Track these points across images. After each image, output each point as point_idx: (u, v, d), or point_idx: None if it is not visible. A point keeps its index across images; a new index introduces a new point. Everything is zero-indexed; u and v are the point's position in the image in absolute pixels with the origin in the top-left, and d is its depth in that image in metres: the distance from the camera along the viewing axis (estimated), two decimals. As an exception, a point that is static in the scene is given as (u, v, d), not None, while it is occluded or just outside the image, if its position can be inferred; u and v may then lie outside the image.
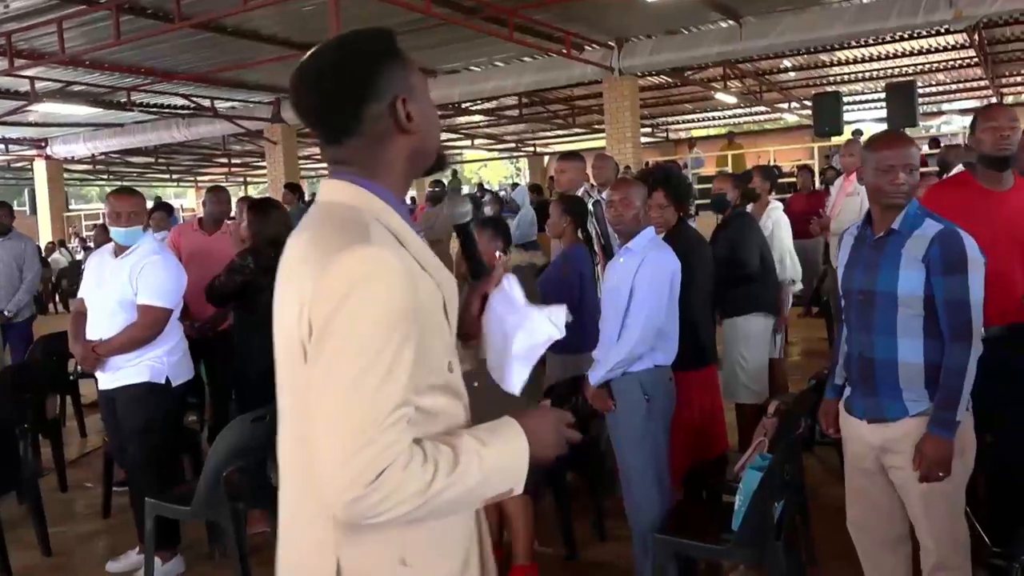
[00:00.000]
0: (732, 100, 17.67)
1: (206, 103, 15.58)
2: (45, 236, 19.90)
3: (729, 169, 14.23)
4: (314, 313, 1.27)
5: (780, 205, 5.89)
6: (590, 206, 5.31)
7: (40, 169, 19.77)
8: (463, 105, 17.01)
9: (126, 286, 4.05)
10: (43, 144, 19.02)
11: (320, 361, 1.27)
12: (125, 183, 26.71)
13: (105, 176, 26.65)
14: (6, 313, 6.41)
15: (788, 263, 5.61)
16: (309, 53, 1.49)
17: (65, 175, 22.01)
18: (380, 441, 1.24)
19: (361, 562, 1.37)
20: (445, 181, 13.33)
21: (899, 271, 2.64)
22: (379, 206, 1.41)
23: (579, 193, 5.41)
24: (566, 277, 4.61)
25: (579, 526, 4.23)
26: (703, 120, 23.53)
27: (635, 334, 3.47)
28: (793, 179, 11.92)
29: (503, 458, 1.41)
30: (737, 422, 4.90)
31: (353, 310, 1.26)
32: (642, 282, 3.48)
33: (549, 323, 1.73)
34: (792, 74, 17.04)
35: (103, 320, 4.09)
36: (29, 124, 16.98)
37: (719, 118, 23.09)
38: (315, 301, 1.27)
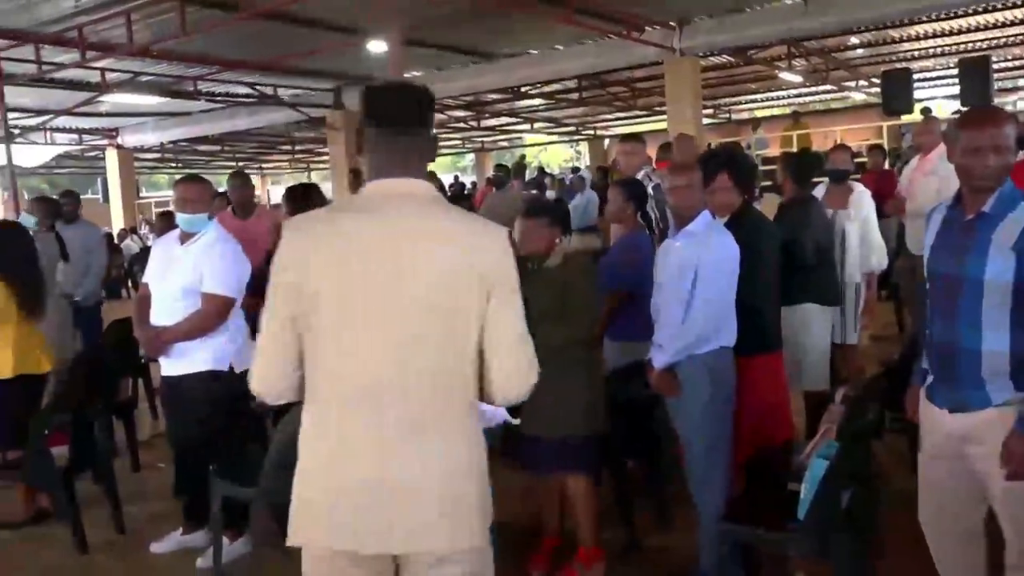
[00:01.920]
0: (797, 79, 17.25)
1: (269, 91, 15.77)
2: (117, 223, 20.45)
3: (794, 150, 13.93)
4: (505, 271, 1.91)
5: (866, 190, 5.67)
6: (649, 189, 5.24)
7: (112, 158, 20.27)
8: (522, 89, 16.93)
9: (191, 274, 4.11)
10: (114, 134, 19.50)
11: (511, 303, 1.92)
12: (193, 171, 27.32)
13: (174, 164, 27.26)
14: (76, 298, 6.59)
15: (879, 251, 5.47)
16: (413, 84, 2.07)
17: (135, 163, 22.55)
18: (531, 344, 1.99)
19: (481, 452, 1.98)
20: (509, 165, 13.30)
21: (987, 256, 2.49)
22: None
23: (639, 176, 5.34)
24: (630, 263, 4.57)
25: (642, 513, 4.20)
26: (767, 100, 23.04)
27: (702, 316, 3.44)
28: (862, 159, 11.59)
29: None
30: (805, 409, 4.81)
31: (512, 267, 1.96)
32: (707, 265, 3.45)
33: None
34: (860, 51, 16.53)
35: (167, 307, 4.16)
36: (101, 115, 17.39)
37: (783, 98, 22.57)
38: (503, 263, 1.91)
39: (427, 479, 1.86)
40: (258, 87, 15.43)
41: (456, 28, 12.00)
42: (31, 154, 20.43)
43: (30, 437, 4.33)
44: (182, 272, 4.13)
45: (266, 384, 1.95)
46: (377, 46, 11.66)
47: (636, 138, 5.79)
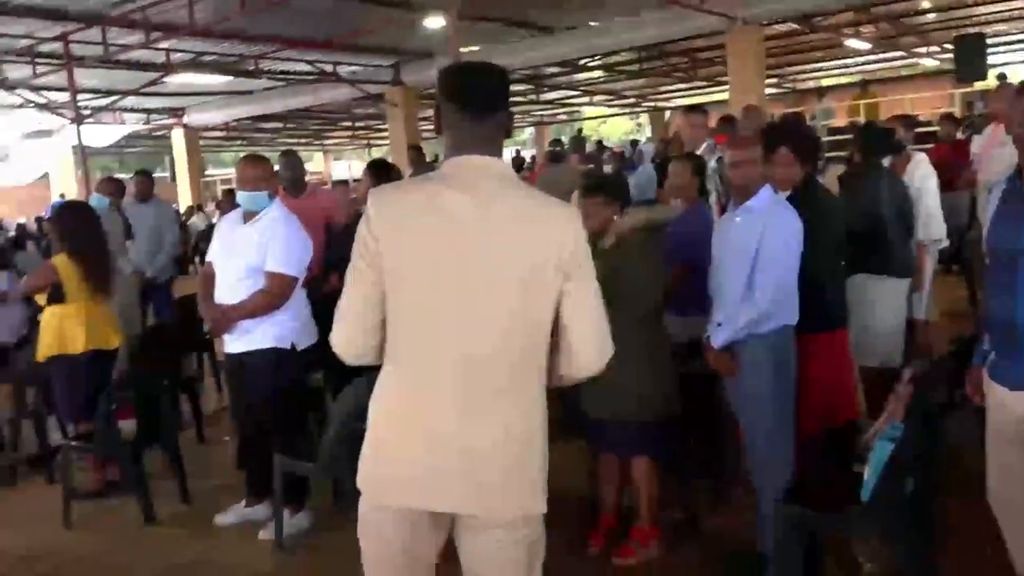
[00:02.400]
0: (865, 46, 16.76)
1: (329, 68, 15.88)
2: (184, 201, 20.88)
3: (862, 120, 13.55)
4: (579, 247, 1.97)
5: (925, 157, 5.49)
6: (713, 163, 5.13)
7: (178, 137, 20.68)
8: (581, 62, 16.75)
9: (255, 252, 4.15)
10: (180, 113, 19.88)
11: (587, 279, 1.99)
12: (257, 148, 27.74)
13: (239, 142, 27.70)
14: (148, 275, 6.75)
15: (932, 220, 5.27)
16: (491, 66, 2.10)
17: (201, 142, 22.97)
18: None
19: (545, 426, 2.04)
20: (565, 140, 13.19)
21: None
22: None
23: (701, 149, 5.22)
24: (694, 236, 4.48)
25: (701, 493, 4.15)
26: (833, 69, 22.43)
27: (766, 295, 3.36)
28: (933, 128, 11.20)
29: None
30: (863, 386, 4.68)
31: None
32: (770, 241, 3.36)
33: None
34: (931, 16, 15.96)
35: (231, 285, 4.21)
36: (167, 94, 17.74)
37: (851, 66, 21.95)
38: (577, 241, 1.97)
39: (498, 445, 1.94)
40: (318, 65, 15.54)
41: (514, 2, 11.91)
42: (101, 134, 20.93)
43: (98, 410, 4.45)
44: (245, 251, 4.17)
45: (349, 344, 2.02)
46: (435, 21, 11.64)
47: (700, 110, 5.63)
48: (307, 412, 4.66)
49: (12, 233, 14.77)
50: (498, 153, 2.03)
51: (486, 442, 1.93)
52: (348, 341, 2.02)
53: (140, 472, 4.53)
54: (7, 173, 23.88)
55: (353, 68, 16.37)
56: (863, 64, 21.60)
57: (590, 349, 2.02)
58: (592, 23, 13.89)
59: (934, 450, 3.36)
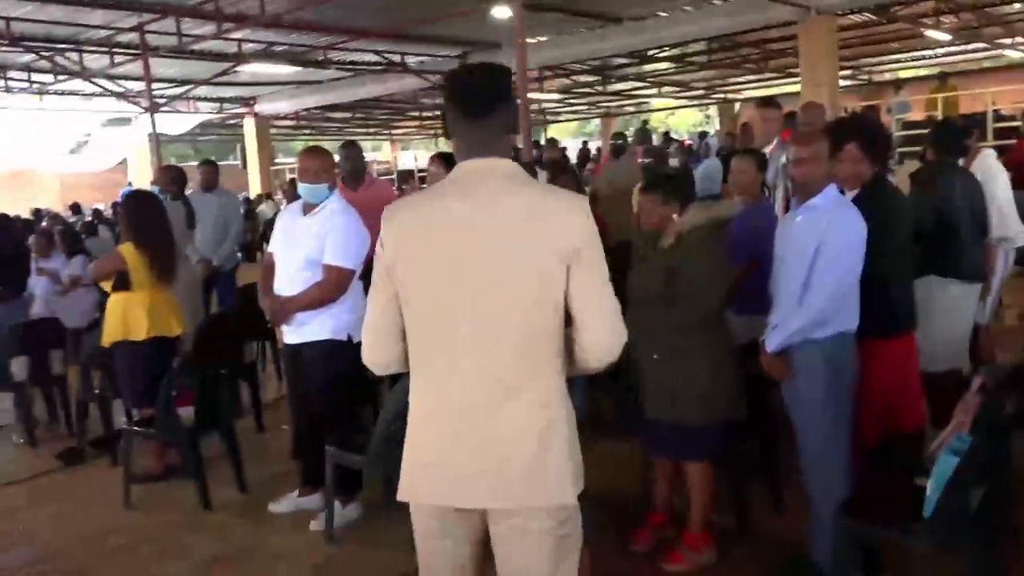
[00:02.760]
0: (945, 37, 16.16)
1: (397, 59, 15.96)
2: (254, 189, 21.27)
3: (939, 114, 13.09)
4: (584, 238, 1.96)
5: (993, 153, 5.25)
6: (784, 158, 4.98)
7: (249, 126, 21.05)
8: (649, 52, 16.53)
9: (314, 245, 4.17)
10: (252, 102, 20.23)
11: (593, 268, 1.98)
12: (326, 138, 28.10)
13: (308, 131, 28.07)
14: (214, 264, 6.85)
15: (1006, 218, 5.03)
16: (490, 66, 2.14)
17: (272, 131, 23.35)
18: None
19: (570, 416, 2.06)
20: (628, 133, 13.03)
21: None
22: None
23: (772, 145, 5.05)
24: (758, 233, 4.36)
25: (755, 496, 4.04)
26: (911, 60, 21.73)
27: (822, 298, 3.23)
28: (1016, 124, 10.74)
29: None
30: (926, 393, 4.48)
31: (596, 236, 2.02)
32: (830, 243, 3.23)
33: None
34: (1017, 5, 15.30)
35: (291, 276, 4.24)
36: (239, 84, 18.09)
37: (929, 57, 21.23)
38: (582, 232, 1.97)
39: (519, 439, 1.99)
40: (386, 55, 15.63)
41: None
42: (176, 122, 21.43)
43: (159, 396, 4.53)
44: (305, 242, 4.19)
45: (375, 357, 2.14)
46: (501, 11, 11.58)
47: (773, 103, 5.41)
48: (362, 404, 4.68)
49: (88, 218, 15.22)
50: (503, 152, 2.06)
51: (507, 436, 1.99)
52: (372, 352, 2.15)
53: (198, 458, 4.60)
54: (87, 159, 24.62)
55: (421, 58, 16.42)
56: (942, 56, 20.87)
57: (600, 338, 2.03)
58: (661, 13, 13.68)
59: (1003, 463, 3.21)
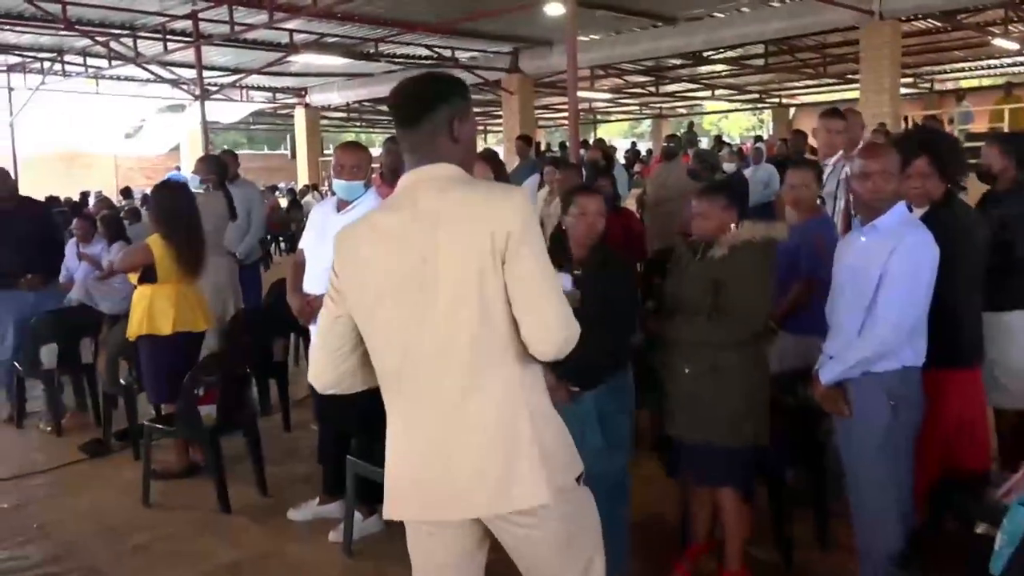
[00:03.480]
0: (1013, 46, 15.53)
1: (448, 53, 15.80)
2: (302, 179, 21.30)
3: (1005, 126, 12.55)
4: (515, 228, 1.89)
5: None
6: (847, 169, 4.67)
7: (300, 116, 21.08)
8: (704, 54, 16.14)
9: None
10: (303, 93, 20.25)
11: (526, 258, 1.90)
12: (376, 130, 28.12)
13: (358, 124, 28.09)
14: (238, 257, 6.70)
15: None
16: (420, 75, 2.12)
17: (323, 122, 23.38)
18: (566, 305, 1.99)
19: (537, 406, 2.02)
20: (680, 134, 12.70)
21: None
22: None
23: (835, 157, 4.72)
24: (819, 249, 4.08)
25: (800, 530, 3.76)
26: (975, 69, 21.00)
27: (885, 330, 2.93)
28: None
29: None
30: (996, 430, 4.15)
31: (535, 226, 1.97)
32: (897, 269, 2.92)
33: None
34: (1091, 16, 14.67)
35: (320, 274, 4.05)
36: (291, 74, 18.09)
37: (995, 67, 20.50)
38: (513, 221, 1.89)
39: (481, 443, 1.96)
40: (437, 49, 15.48)
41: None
42: (230, 110, 21.56)
43: (181, 393, 4.39)
44: None
45: (316, 375, 2.15)
46: (555, 9, 11.33)
47: (838, 114, 5.02)
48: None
49: (138, 203, 15.30)
50: (440, 157, 2.01)
51: (468, 443, 1.96)
52: (315, 371, 2.15)
53: (218, 458, 4.44)
54: (142, 144, 24.90)
55: (472, 54, 16.25)
56: (1010, 65, 20.13)
57: (537, 329, 1.95)
58: (717, 13, 13.31)
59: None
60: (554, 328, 1.95)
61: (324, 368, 2.12)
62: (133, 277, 4.77)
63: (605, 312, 3.16)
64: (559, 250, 3.22)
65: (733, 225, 3.38)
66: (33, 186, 16.83)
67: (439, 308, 1.93)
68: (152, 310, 4.65)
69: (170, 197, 4.85)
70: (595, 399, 3.24)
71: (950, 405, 3.20)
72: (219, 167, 6.31)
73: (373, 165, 4.64)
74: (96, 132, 24.19)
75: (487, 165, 5.07)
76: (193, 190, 5.46)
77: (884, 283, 2.93)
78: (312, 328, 4.14)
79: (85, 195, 16.49)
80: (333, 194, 4.34)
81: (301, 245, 4.29)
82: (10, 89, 16.65)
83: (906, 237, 2.95)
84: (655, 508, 4.09)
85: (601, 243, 3.41)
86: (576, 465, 2.10)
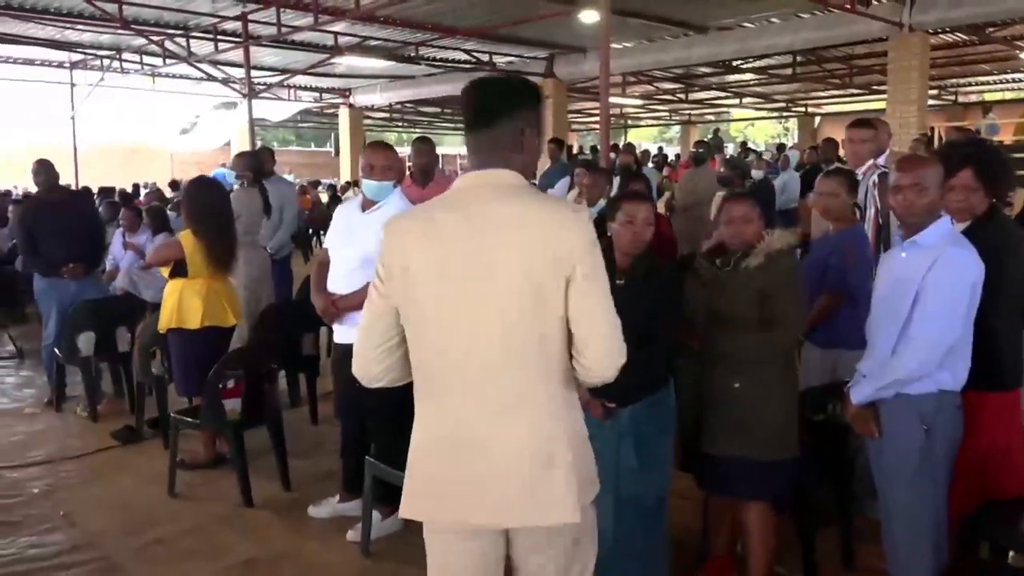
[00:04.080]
0: (1040, 60, 14.95)
1: (485, 58, 15.57)
2: (345, 176, 21.18)
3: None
4: (581, 253, 1.81)
5: None
6: (873, 179, 4.36)
7: (344, 116, 20.94)
8: (733, 63, 15.73)
9: (371, 243, 3.74)
10: (347, 94, 20.11)
11: (592, 285, 1.82)
12: (417, 130, 27.96)
13: (400, 124, 27.93)
14: (269, 251, 6.53)
15: None
16: (498, 79, 2.07)
17: (366, 121, 23.23)
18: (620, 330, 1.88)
19: (574, 424, 1.93)
20: (707, 140, 12.35)
21: None
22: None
23: (865, 167, 4.40)
24: (851, 260, 3.80)
25: (825, 549, 3.48)
26: (1001, 82, 20.31)
27: (920, 351, 2.65)
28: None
29: None
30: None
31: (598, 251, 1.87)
32: (934, 288, 2.64)
33: None
34: (1119, 32, 14.05)
35: (344, 274, 3.86)
36: (336, 76, 17.95)
37: (1020, 80, 19.81)
38: (580, 246, 1.81)
39: (518, 454, 1.86)
40: (475, 54, 15.26)
41: (669, -1, 11.20)
42: (278, 108, 21.49)
43: (205, 387, 4.19)
44: (362, 240, 3.78)
45: (361, 368, 2.01)
46: (589, 16, 11.05)
47: (867, 124, 4.70)
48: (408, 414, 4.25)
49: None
50: (504, 164, 1.91)
51: (504, 452, 1.86)
52: (358, 365, 2.02)
53: (241, 452, 4.25)
54: (196, 139, 24.96)
55: (509, 58, 16.00)
56: (1035, 79, 19.46)
57: (598, 361, 1.87)
58: (747, 24, 12.92)
59: None
60: (610, 355, 1.87)
61: (370, 361, 1.99)
62: (165, 270, 4.58)
63: (649, 325, 2.92)
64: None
65: (765, 234, 3.13)
66: (92, 177, 16.92)
67: (490, 315, 1.83)
68: (182, 304, 4.47)
69: (202, 193, 4.65)
70: (632, 416, 2.98)
71: (986, 430, 2.91)
72: (255, 164, 6.12)
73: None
74: (153, 127, 24.27)
75: None
76: (230, 186, 5.28)
77: (920, 300, 2.66)
78: (336, 326, 3.94)
79: (137, 187, 16.47)
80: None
81: (325, 244, 4.08)
82: (72, 85, 16.68)
83: (946, 252, 2.67)
84: (679, 517, 3.82)
85: (647, 252, 3.14)
86: (596, 485, 1.99)
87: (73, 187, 15.47)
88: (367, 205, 3.88)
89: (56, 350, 5.78)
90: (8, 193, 15.10)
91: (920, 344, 2.65)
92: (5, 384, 6.76)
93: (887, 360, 2.73)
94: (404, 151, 10.87)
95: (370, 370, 2.00)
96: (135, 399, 5.52)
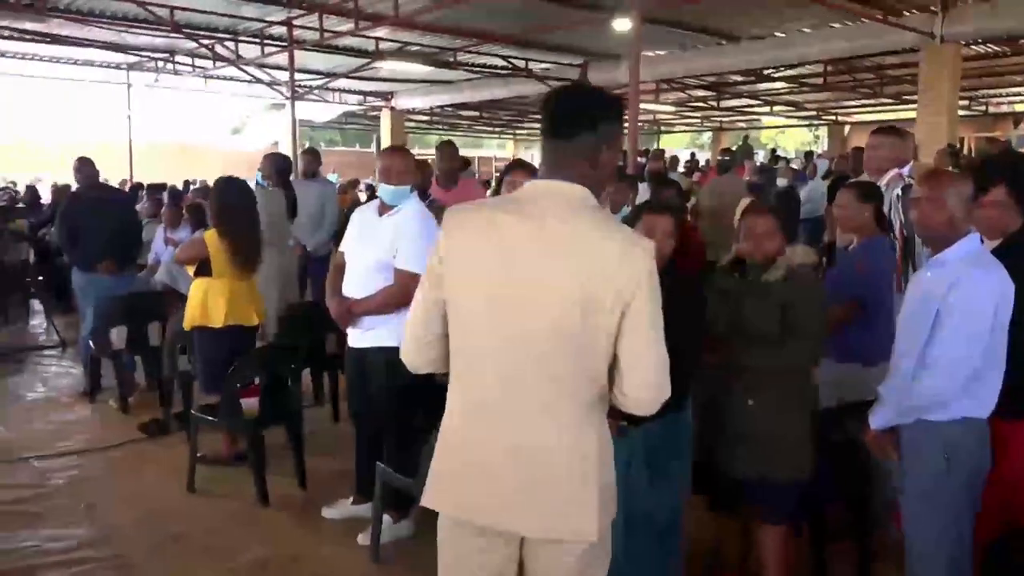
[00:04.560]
0: (1073, 72, 14.36)
1: (521, 64, 15.39)
2: (385, 176, 21.10)
3: (1063, 150, 11.55)
4: (640, 284, 1.75)
5: None
6: (897, 191, 4.09)
7: (385, 119, 20.86)
8: (765, 71, 15.35)
9: (387, 247, 3.60)
10: (389, 97, 20.03)
11: (645, 317, 1.76)
12: (456, 133, 27.84)
13: (440, 127, 27.81)
14: (309, 249, 6.43)
15: None
16: (582, 90, 2.12)
17: (408, 124, 23.14)
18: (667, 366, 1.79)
19: (604, 444, 1.85)
20: (735, 148, 12.04)
21: None
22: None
23: (887, 177, 4.12)
24: (867, 272, 3.56)
25: (839, 568, 3.24)
26: (1033, 94, 19.62)
27: (937, 376, 2.42)
28: None
29: None
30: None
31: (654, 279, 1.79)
32: (956, 308, 2.41)
33: None
34: None
35: (360, 278, 3.70)
36: (379, 79, 17.88)
37: (1053, 92, 19.12)
38: (639, 276, 1.75)
39: (548, 466, 1.79)
40: (511, 60, 15.08)
41: (703, 8, 10.89)
42: (323, 110, 21.50)
43: (224, 385, 4.07)
44: (378, 245, 3.63)
45: (410, 356, 1.96)
46: (622, 24, 10.79)
47: (893, 131, 4.35)
48: (428, 413, 4.09)
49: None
50: (576, 178, 1.81)
51: (533, 461, 1.79)
52: (406, 352, 1.97)
53: (258, 452, 4.13)
54: (246, 139, 25.14)
55: (545, 64, 15.79)
56: (1068, 91, 18.76)
57: (642, 393, 1.80)
58: (779, 33, 12.57)
59: None
60: (653, 388, 1.80)
61: (419, 350, 1.93)
62: (191, 269, 4.47)
63: (671, 340, 2.74)
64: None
65: (787, 247, 2.93)
66: (147, 174, 17.05)
67: (539, 324, 1.76)
68: (206, 303, 4.36)
69: (227, 192, 4.52)
70: (645, 435, 2.78)
71: (1011, 459, 2.66)
72: (281, 165, 6.01)
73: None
74: (205, 127, 24.46)
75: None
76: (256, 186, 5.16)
77: (940, 323, 2.43)
78: (350, 330, 3.78)
79: (187, 184, 16.54)
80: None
81: (341, 248, 3.90)
82: (128, 85, 16.81)
83: (970, 271, 2.43)
84: (689, 529, 3.62)
85: (667, 266, 2.94)
86: (615, 507, 1.91)
87: (129, 183, 15.63)
88: (384, 209, 3.72)
89: (91, 343, 5.72)
90: (67, 187, 15.26)
91: (938, 369, 2.42)
92: (47, 373, 6.75)
93: (907, 384, 2.50)
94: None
95: (418, 359, 1.95)
96: (163, 393, 5.43)
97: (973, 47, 12.76)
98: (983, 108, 21.55)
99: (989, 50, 13.34)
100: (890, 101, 18.66)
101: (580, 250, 1.75)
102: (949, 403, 2.43)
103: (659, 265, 2.90)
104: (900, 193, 4.12)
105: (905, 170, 4.13)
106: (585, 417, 1.81)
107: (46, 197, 13.19)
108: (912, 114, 12.74)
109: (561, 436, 1.79)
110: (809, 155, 16.22)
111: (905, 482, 2.56)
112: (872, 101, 19.64)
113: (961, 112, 17.48)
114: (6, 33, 12.92)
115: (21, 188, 15.96)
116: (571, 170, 1.81)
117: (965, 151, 11.94)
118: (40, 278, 9.07)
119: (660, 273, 2.91)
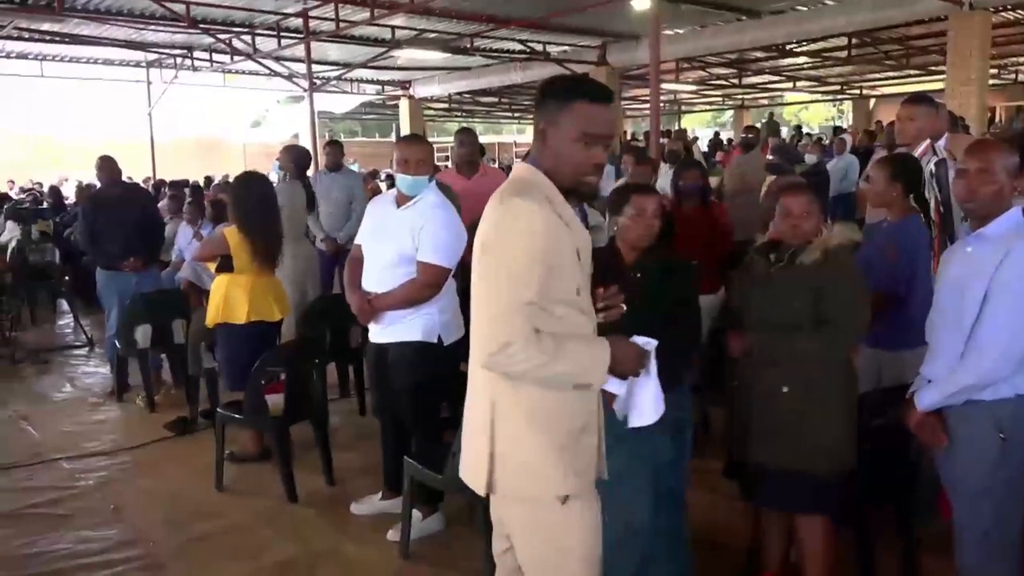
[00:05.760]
0: (1107, 37, 13.94)
1: (539, 48, 15.23)
2: (405, 165, 21.06)
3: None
4: (485, 242, 1.91)
5: None
6: (932, 165, 3.93)
7: (404, 107, 20.78)
8: (787, 47, 15.06)
9: (407, 240, 3.50)
10: (407, 85, 19.95)
11: (482, 272, 1.91)
12: (476, 119, 27.72)
13: (459, 114, 27.69)
14: (340, 241, 6.39)
15: None
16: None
17: (428, 112, 23.05)
18: (510, 322, 1.81)
19: (505, 406, 1.93)
20: (759, 126, 11.82)
21: None
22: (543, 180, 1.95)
23: (919, 150, 3.97)
24: (899, 254, 3.42)
25: (884, 561, 3.14)
26: (1064, 60, 19.13)
27: (993, 352, 2.31)
28: None
29: (588, 359, 1.88)
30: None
31: (505, 236, 1.86)
32: (1008, 283, 2.30)
33: (651, 412, 2.08)
34: None
35: (380, 271, 3.59)
36: (396, 68, 17.80)
37: (1085, 58, 18.62)
38: (485, 235, 1.91)
39: (474, 426, 2.00)
40: (529, 44, 14.92)
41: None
42: (342, 101, 21.50)
43: (247, 383, 4.03)
44: (397, 237, 3.52)
45: None
46: (641, 3, 10.63)
47: (923, 100, 4.17)
48: (452, 404, 4.03)
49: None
50: (533, 157, 2.00)
51: (472, 424, 2.03)
52: None
53: (284, 448, 4.09)
54: (266, 132, 25.22)
55: (563, 47, 15.62)
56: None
57: (479, 334, 1.90)
58: (801, 7, 12.30)
59: None
60: (483, 340, 1.89)
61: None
62: (211, 266, 4.43)
63: (673, 307, 2.73)
64: (606, 268, 2.57)
65: (824, 229, 2.81)
66: (169, 170, 17.14)
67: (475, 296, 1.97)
68: (228, 299, 4.31)
69: (247, 188, 4.46)
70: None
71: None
72: (299, 158, 5.95)
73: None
74: (226, 121, 24.58)
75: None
76: (274, 179, 5.11)
77: (990, 299, 2.32)
78: (372, 325, 3.70)
79: (209, 179, 16.60)
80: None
81: (357, 241, 3.79)
82: (148, 83, 16.88)
83: (1018, 244, 2.32)
84: (727, 521, 3.54)
85: (658, 244, 2.86)
86: (557, 485, 1.91)
87: (152, 179, 15.70)
88: (402, 200, 3.62)
89: (116, 342, 5.73)
90: (91, 187, 15.35)
91: (991, 347, 2.31)
92: (74, 373, 6.78)
93: (955, 364, 2.39)
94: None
95: None
96: (189, 391, 5.43)
97: (1003, 13, 12.40)
98: (1013, 76, 21.04)
99: (1020, 16, 12.96)
100: (917, 72, 18.28)
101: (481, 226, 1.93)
102: (1003, 381, 2.33)
103: (647, 244, 2.85)
104: (933, 169, 3.96)
105: (941, 142, 3.96)
106: (485, 382, 1.94)
107: (71, 198, 13.26)
108: (940, 85, 12.48)
109: (484, 400, 1.95)
110: (837, 130, 15.92)
111: (954, 466, 2.46)
112: (898, 73, 19.26)
113: (991, 81, 17.07)
114: (26, 35, 12.99)
115: (46, 189, 16.08)
116: (532, 150, 2.00)
117: (996, 120, 11.62)
118: (67, 278, 9.13)
119: (648, 252, 2.86)
